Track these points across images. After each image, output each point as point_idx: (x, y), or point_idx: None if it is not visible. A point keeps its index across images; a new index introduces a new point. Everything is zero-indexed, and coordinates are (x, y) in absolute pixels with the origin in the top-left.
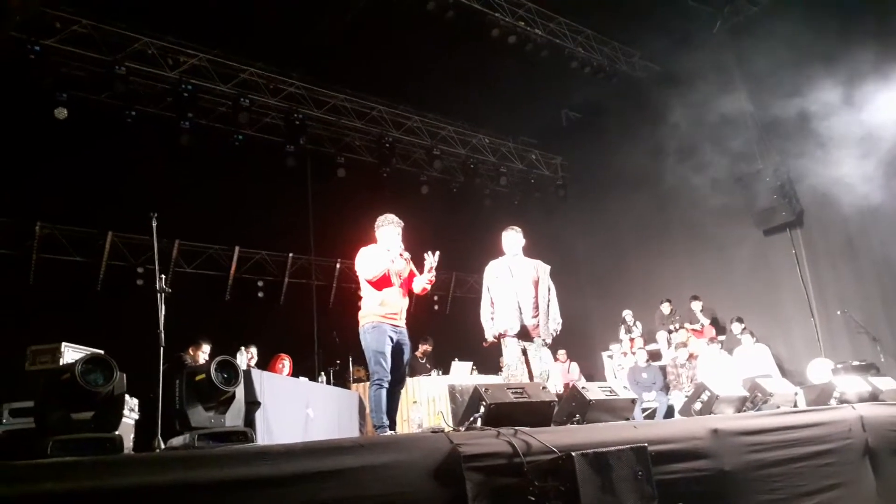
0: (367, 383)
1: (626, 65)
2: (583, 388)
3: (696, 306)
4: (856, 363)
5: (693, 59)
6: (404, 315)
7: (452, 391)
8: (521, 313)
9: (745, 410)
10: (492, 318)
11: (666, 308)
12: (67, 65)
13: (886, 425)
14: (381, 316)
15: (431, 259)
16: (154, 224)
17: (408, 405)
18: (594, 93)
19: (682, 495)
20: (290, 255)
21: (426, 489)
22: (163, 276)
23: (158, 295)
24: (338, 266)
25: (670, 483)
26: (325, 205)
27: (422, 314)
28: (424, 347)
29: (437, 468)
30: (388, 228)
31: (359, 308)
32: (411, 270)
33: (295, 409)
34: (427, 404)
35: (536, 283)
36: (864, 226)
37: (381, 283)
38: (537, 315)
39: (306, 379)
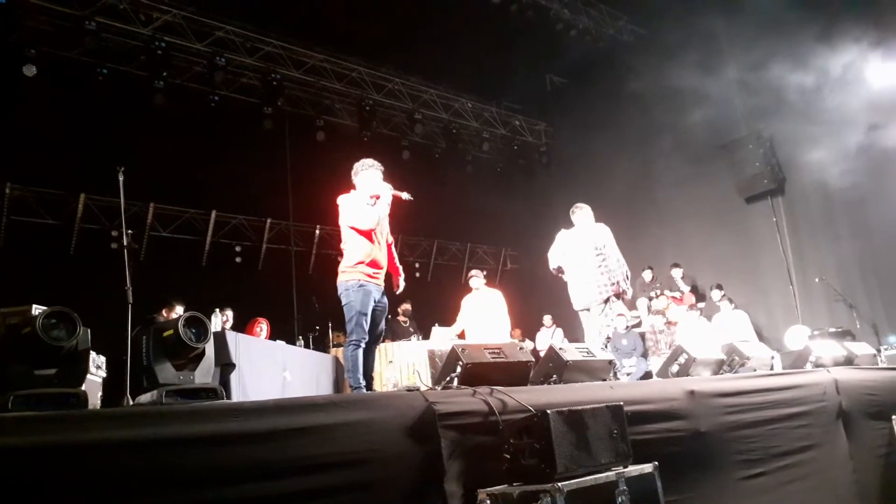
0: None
1: (613, 28)
2: (560, 349)
3: (677, 273)
4: (832, 330)
5: (680, 25)
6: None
7: (432, 356)
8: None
9: (722, 373)
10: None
11: (647, 275)
12: (35, 19)
13: (860, 389)
14: (367, 275)
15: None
16: (121, 178)
17: (383, 365)
18: (580, 57)
19: (658, 455)
20: (269, 220)
21: (401, 447)
22: (129, 231)
23: (125, 251)
24: (317, 232)
25: (646, 443)
26: (303, 169)
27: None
28: (404, 307)
29: (411, 426)
30: (371, 172)
31: (338, 263)
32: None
33: (271, 372)
34: (406, 368)
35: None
36: (843, 195)
37: (370, 238)
38: None
39: (283, 342)
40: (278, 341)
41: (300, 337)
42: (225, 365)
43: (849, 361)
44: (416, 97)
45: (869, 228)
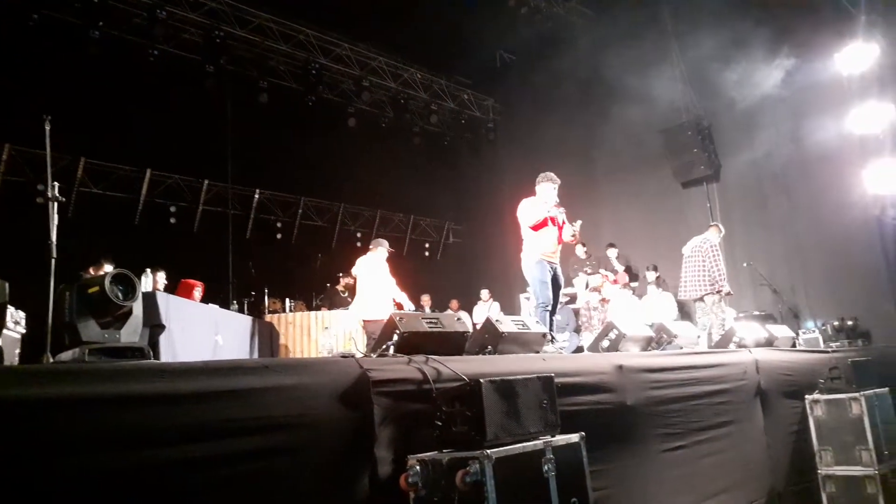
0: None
1: (563, 8)
2: (496, 320)
3: (612, 253)
4: (756, 313)
5: (628, 10)
6: (559, 254)
7: (367, 325)
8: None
9: (650, 350)
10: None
11: (581, 252)
12: None
13: (778, 369)
14: (541, 254)
15: (576, 227)
16: (47, 128)
17: (318, 331)
18: (529, 35)
19: (585, 426)
20: (206, 181)
21: (333, 412)
22: (55, 183)
23: (49, 203)
24: (256, 196)
25: (574, 414)
26: (244, 131)
27: (343, 250)
28: (346, 281)
29: (344, 392)
30: (547, 185)
31: (520, 250)
32: (563, 220)
33: (203, 336)
34: (343, 336)
35: None
36: (774, 186)
37: (540, 227)
38: None
39: (216, 306)
40: (211, 304)
41: (234, 301)
42: (154, 326)
43: (769, 343)
44: (365, 64)
45: (795, 219)
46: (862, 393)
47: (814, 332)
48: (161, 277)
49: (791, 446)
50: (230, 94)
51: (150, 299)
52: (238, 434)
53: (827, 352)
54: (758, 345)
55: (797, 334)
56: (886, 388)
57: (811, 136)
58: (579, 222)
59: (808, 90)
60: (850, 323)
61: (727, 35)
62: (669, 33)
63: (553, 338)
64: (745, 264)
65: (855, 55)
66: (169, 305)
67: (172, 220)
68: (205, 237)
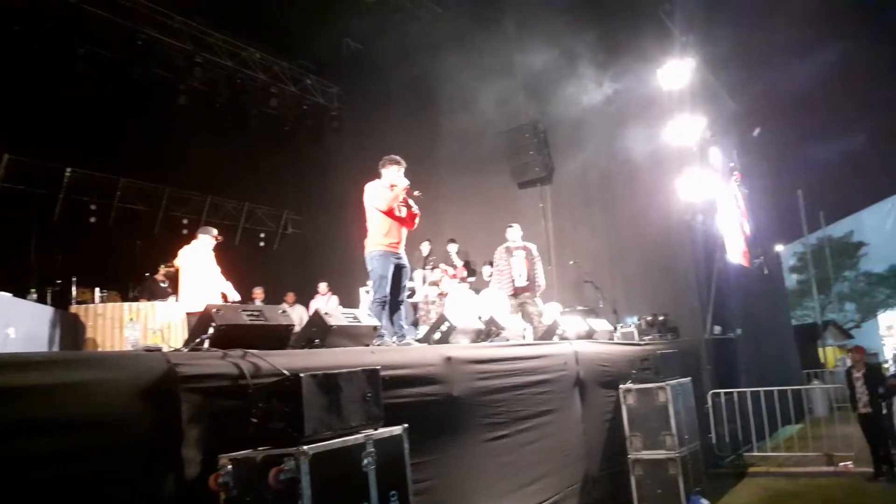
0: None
1: (412, 2)
2: (325, 313)
3: (452, 248)
4: (580, 307)
5: (475, 10)
6: (404, 244)
7: (190, 317)
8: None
9: (479, 342)
10: None
11: (426, 248)
12: None
13: (595, 360)
14: (386, 246)
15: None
16: None
17: (123, 323)
18: (377, 26)
19: (411, 418)
20: (7, 155)
21: (134, 411)
22: None
23: None
24: (67, 174)
25: (400, 406)
26: (56, 101)
27: (167, 237)
28: (166, 270)
29: (148, 388)
30: (394, 167)
31: (363, 241)
32: (410, 207)
33: None
34: (164, 331)
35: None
36: (600, 192)
37: (388, 215)
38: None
39: (10, 295)
40: (2, 293)
41: (34, 290)
42: None
43: (589, 335)
44: (199, 40)
45: (617, 222)
46: (667, 382)
47: (630, 326)
48: None
49: (605, 433)
50: (40, 60)
51: None
52: (24, 436)
53: (640, 345)
54: (579, 337)
55: (615, 328)
56: (689, 378)
57: (634, 146)
58: (417, 193)
59: (632, 104)
60: (661, 318)
61: (563, 49)
62: (512, 39)
63: (401, 333)
64: (570, 262)
65: (673, 72)
66: None
67: None
68: (2, 219)
